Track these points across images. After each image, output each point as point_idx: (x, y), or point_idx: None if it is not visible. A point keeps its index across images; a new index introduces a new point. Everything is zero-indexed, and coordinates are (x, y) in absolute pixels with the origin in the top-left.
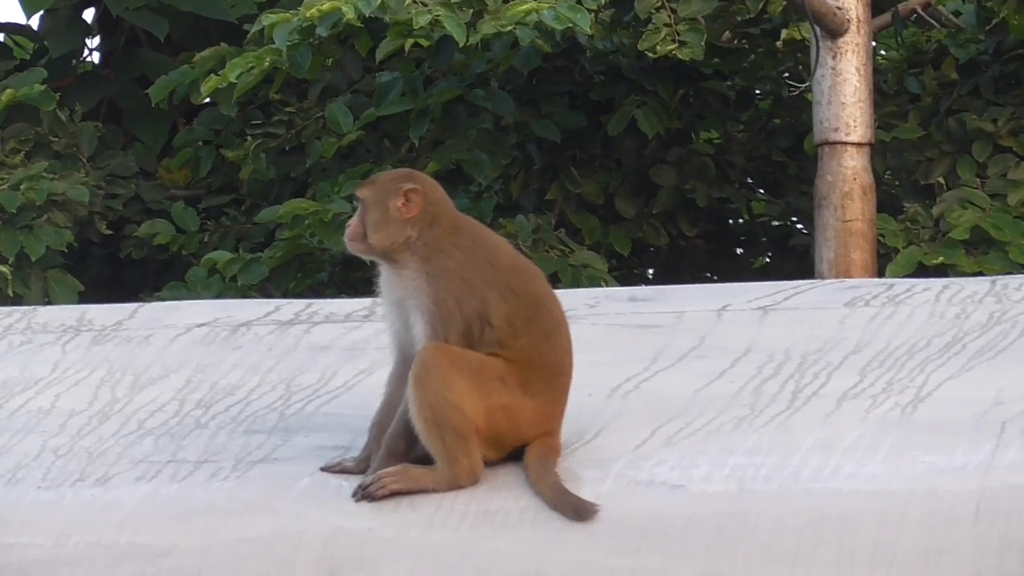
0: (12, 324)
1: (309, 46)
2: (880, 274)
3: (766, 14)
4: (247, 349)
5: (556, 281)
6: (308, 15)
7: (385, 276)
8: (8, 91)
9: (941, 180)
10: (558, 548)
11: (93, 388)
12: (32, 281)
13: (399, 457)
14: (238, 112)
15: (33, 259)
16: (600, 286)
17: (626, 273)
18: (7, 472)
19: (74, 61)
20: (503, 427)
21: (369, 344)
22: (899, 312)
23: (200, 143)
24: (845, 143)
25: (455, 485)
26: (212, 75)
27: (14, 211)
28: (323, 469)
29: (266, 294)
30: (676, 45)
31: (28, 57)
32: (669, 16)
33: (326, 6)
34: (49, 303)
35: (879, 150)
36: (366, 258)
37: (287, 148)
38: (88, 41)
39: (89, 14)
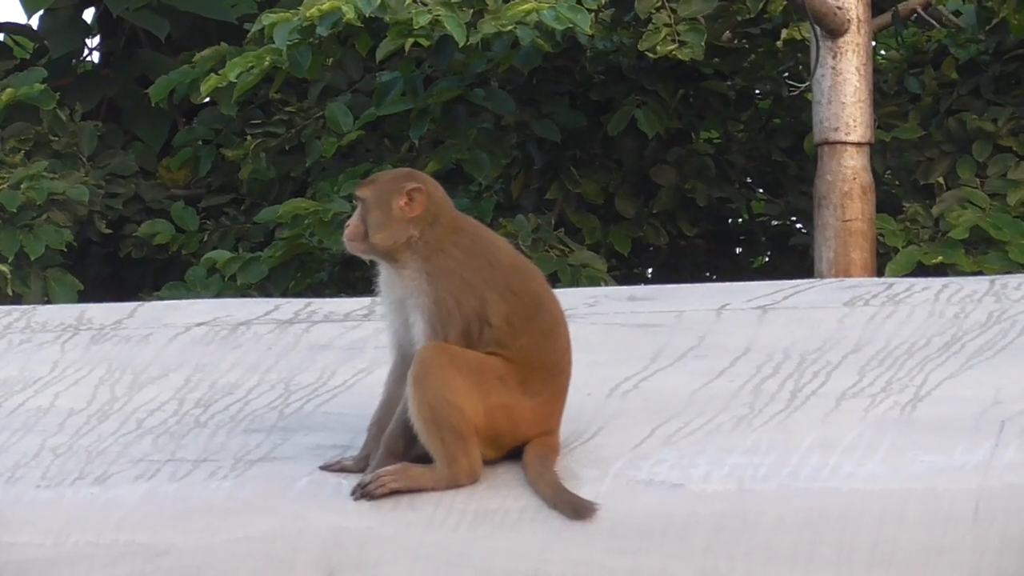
0: (11, 323)
1: (309, 46)
2: (880, 274)
3: (766, 14)
4: (246, 348)
5: (556, 281)
6: (308, 15)
7: (384, 275)
8: (8, 90)
9: (941, 180)
10: (557, 547)
11: (92, 387)
12: (32, 280)
13: (398, 456)
14: (238, 111)
15: (33, 258)
16: (599, 286)
17: (626, 273)
18: (6, 471)
19: (74, 61)
20: (502, 426)
21: (368, 343)
22: (898, 311)
23: (200, 142)
24: (845, 143)
25: (454, 484)
26: (212, 74)
27: (14, 210)
28: (322, 468)
29: (265, 293)
30: (676, 45)
31: (28, 57)
32: (669, 16)
33: (326, 6)
34: (49, 302)
35: (879, 150)
36: (366, 258)
37: (287, 148)
38: (88, 41)
39: (89, 14)
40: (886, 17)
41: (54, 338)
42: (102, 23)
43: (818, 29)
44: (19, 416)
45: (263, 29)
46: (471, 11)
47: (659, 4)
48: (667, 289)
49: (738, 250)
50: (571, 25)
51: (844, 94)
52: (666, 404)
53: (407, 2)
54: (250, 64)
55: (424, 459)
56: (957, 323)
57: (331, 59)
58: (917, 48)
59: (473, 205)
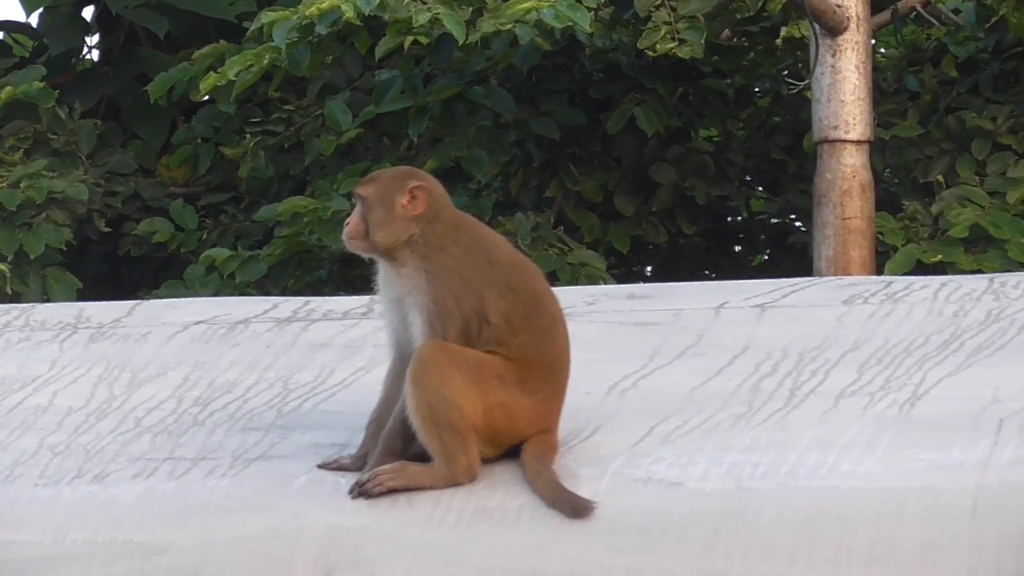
0: (10, 321)
1: (308, 44)
2: (879, 272)
3: (765, 12)
4: (245, 346)
5: (554, 279)
6: (307, 13)
7: (383, 274)
8: (7, 88)
9: (940, 178)
10: (555, 546)
11: (91, 385)
12: (31, 279)
13: (396, 454)
14: (237, 110)
15: (32, 257)
16: (598, 284)
17: (625, 271)
18: (4, 469)
19: (73, 59)
20: (501, 424)
21: (367, 341)
22: (897, 310)
23: (199, 141)
24: (844, 141)
25: (452, 482)
26: (211, 73)
27: (13, 209)
28: (320, 466)
29: (264, 292)
30: (675, 43)
31: (27, 55)
32: (669, 14)
33: (325, 4)
34: (48, 300)
35: (878, 148)
36: (365, 256)
37: (286, 146)
38: (87, 39)
39: (88, 12)
40: (885, 15)
41: (53, 336)
42: (101, 21)
43: (817, 27)
44: (17, 414)
45: (262, 27)
46: (470, 9)
47: (658, 2)
48: (666, 287)
49: (737, 248)
50: (570, 23)
51: (843, 92)
52: (664, 402)
53: (406, 0)
54: (249, 62)
55: (422, 457)
56: (956, 321)
57: (330, 57)
58: (916, 46)
59: (472, 203)
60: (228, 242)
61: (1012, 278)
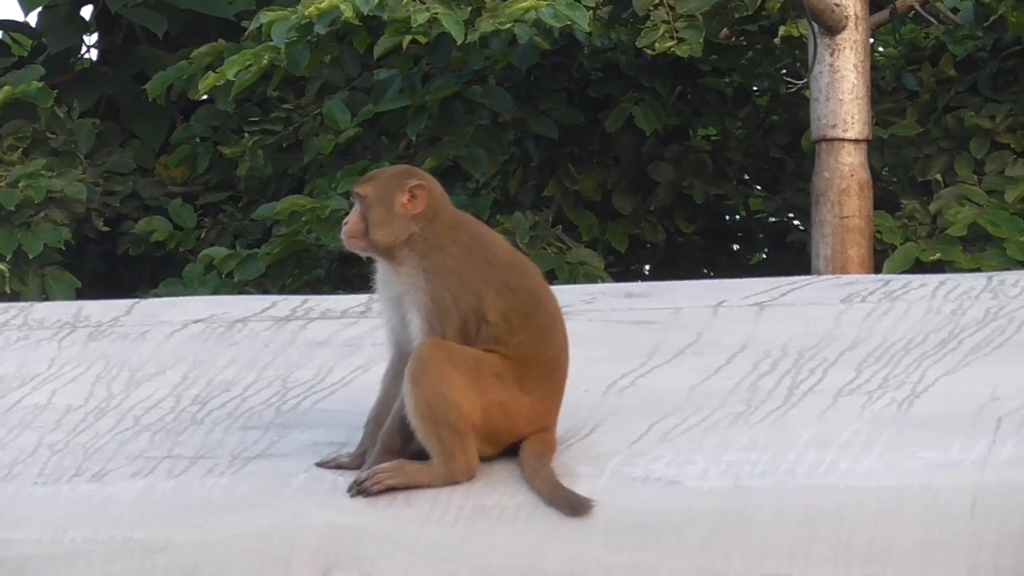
0: (8, 320)
1: (307, 43)
2: (877, 270)
3: (764, 11)
4: (243, 345)
5: (553, 278)
6: (306, 13)
7: (382, 272)
8: (6, 88)
9: (938, 177)
10: (554, 544)
11: (89, 384)
12: (29, 278)
13: (395, 453)
14: (236, 109)
15: (31, 256)
16: (597, 282)
17: (623, 269)
18: (3, 467)
19: (72, 58)
20: (499, 423)
21: (365, 340)
22: (895, 308)
23: (197, 140)
24: (842, 140)
25: (451, 481)
26: (210, 72)
27: (12, 208)
28: (319, 465)
29: (263, 290)
30: (674, 42)
31: (26, 54)
32: (667, 13)
33: (324, 4)
34: (46, 299)
35: (876, 147)
36: (364, 255)
37: (284, 145)
38: (86, 38)
39: (87, 11)
40: (884, 14)
41: (51, 335)
42: (100, 20)
43: (816, 26)
44: (16, 413)
45: (261, 27)
46: (469, 9)
47: (657, 1)
48: (664, 286)
49: (735, 247)
50: (569, 22)
51: (842, 91)
52: (663, 401)
53: (405, 0)
54: (248, 62)
55: (421, 456)
56: (954, 320)
57: (329, 57)
58: (915, 45)
59: (470, 202)
60: (226, 241)
61: (1011, 276)
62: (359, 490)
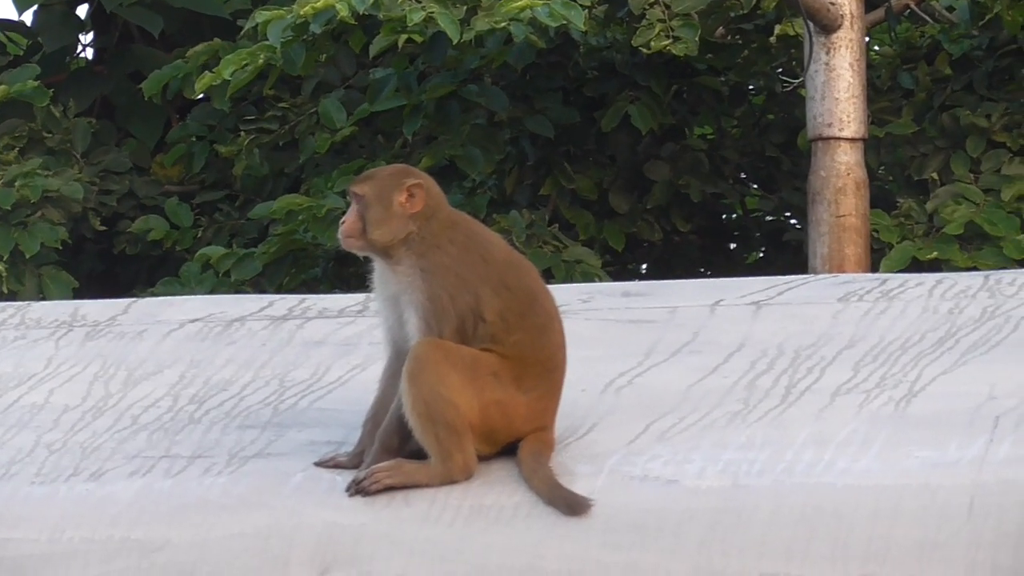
0: (5, 320)
1: (303, 43)
2: (874, 269)
3: (760, 10)
4: (240, 344)
5: (550, 276)
6: (302, 12)
7: (379, 272)
8: (1, 87)
9: (935, 175)
10: (552, 543)
11: (87, 383)
12: (26, 277)
13: (393, 452)
14: (231, 108)
15: (27, 256)
16: (594, 281)
17: (620, 268)
18: (1, 467)
19: (67, 57)
20: (497, 422)
21: (363, 339)
22: (892, 307)
23: (194, 139)
24: (839, 138)
25: (449, 480)
26: (206, 72)
27: (8, 208)
28: (317, 464)
29: (260, 289)
30: (670, 41)
31: (21, 53)
32: (663, 12)
33: (320, 3)
34: (43, 299)
35: (872, 145)
36: (361, 254)
37: (281, 144)
38: (82, 37)
39: (83, 10)
40: (879, 13)
41: (48, 334)
42: (95, 19)
43: (811, 25)
44: (14, 412)
45: (256, 26)
46: (464, 8)
47: (653, 0)
48: (661, 285)
49: (732, 246)
50: (564, 21)
51: (837, 90)
52: (660, 400)
53: None
54: (244, 61)
55: (419, 455)
56: (951, 319)
57: (325, 56)
58: (910, 44)
59: (467, 201)
60: (223, 240)
61: (1007, 275)
62: (357, 489)
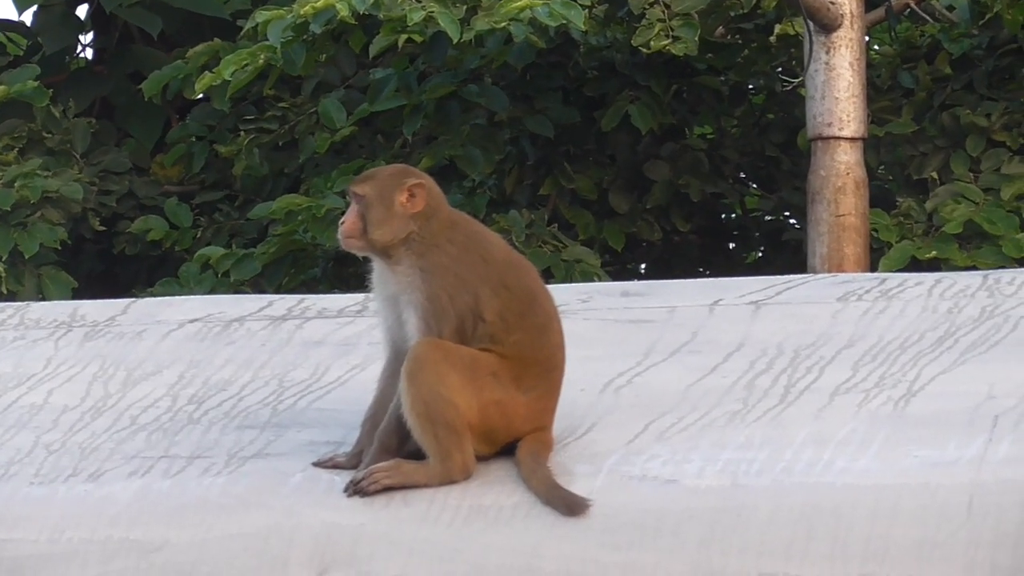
0: (5, 320)
1: (303, 42)
2: (873, 268)
3: (759, 9)
4: (240, 345)
5: (549, 276)
6: (302, 12)
7: (378, 272)
8: (1, 87)
9: (934, 175)
10: (551, 543)
11: (86, 384)
12: (26, 278)
13: (391, 452)
14: (231, 108)
15: (27, 256)
16: (593, 281)
17: (619, 268)
18: (0, 468)
19: (67, 57)
20: (496, 422)
21: (362, 339)
22: (891, 306)
23: (193, 139)
24: (838, 138)
25: (448, 480)
26: (206, 72)
27: (8, 208)
28: (315, 464)
29: (259, 290)
30: (670, 40)
31: (21, 53)
32: (663, 11)
33: (320, 3)
34: (43, 299)
35: (872, 145)
36: (361, 254)
37: (280, 144)
38: (81, 37)
39: (82, 10)
40: (879, 12)
41: (48, 335)
42: (95, 19)
43: (811, 24)
44: (13, 413)
45: (256, 26)
46: (465, 7)
47: (652, 0)
48: (660, 285)
49: (731, 245)
50: (564, 21)
51: (837, 89)
52: (659, 400)
53: None
54: (244, 61)
55: (417, 455)
56: (950, 318)
57: (325, 56)
58: (910, 43)
59: (466, 201)
60: (222, 240)
61: (1006, 275)
62: (356, 489)
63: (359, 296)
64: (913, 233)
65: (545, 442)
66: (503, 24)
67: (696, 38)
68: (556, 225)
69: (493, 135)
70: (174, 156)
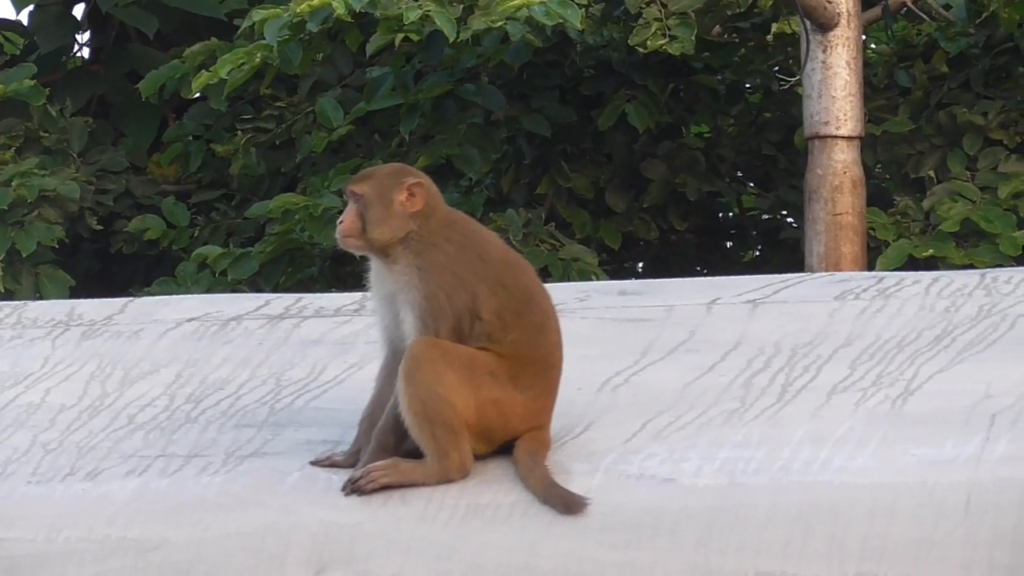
0: (2, 319)
1: (299, 41)
2: (870, 267)
3: (756, 8)
4: (237, 343)
5: (546, 275)
6: (298, 11)
7: (375, 271)
8: None
9: (931, 173)
10: (548, 542)
11: (83, 383)
12: (23, 276)
13: (389, 451)
14: (228, 107)
15: (24, 255)
16: (590, 280)
17: (616, 267)
18: None
19: (64, 57)
20: (493, 421)
21: (359, 338)
22: (889, 305)
23: (190, 138)
24: (835, 137)
25: (445, 479)
26: (203, 71)
27: (5, 207)
28: (313, 463)
29: (256, 289)
30: (666, 40)
31: (18, 52)
32: (659, 11)
33: (316, 1)
34: (40, 298)
35: (869, 143)
36: (359, 254)
37: (277, 143)
38: (78, 36)
39: (79, 10)
40: (876, 11)
41: (45, 334)
42: (92, 19)
43: (808, 23)
44: (10, 412)
45: (253, 25)
46: (461, 6)
47: None
48: (657, 283)
49: (728, 244)
50: (561, 20)
51: (834, 88)
52: (657, 398)
53: None
54: (240, 60)
55: (415, 454)
56: (948, 317)
57: (321, 55)
58: (907, 42)
59: (463, 200)
60: (219, 239)
61: (1004, 273)
62: (353, 488)
63: (356, 295)
64: (910, 232)
65: (543, 441)
66: (500, 23)
67: (693, 37)
68: (553, 224)
69: (490, 134)
70: (171, 155)
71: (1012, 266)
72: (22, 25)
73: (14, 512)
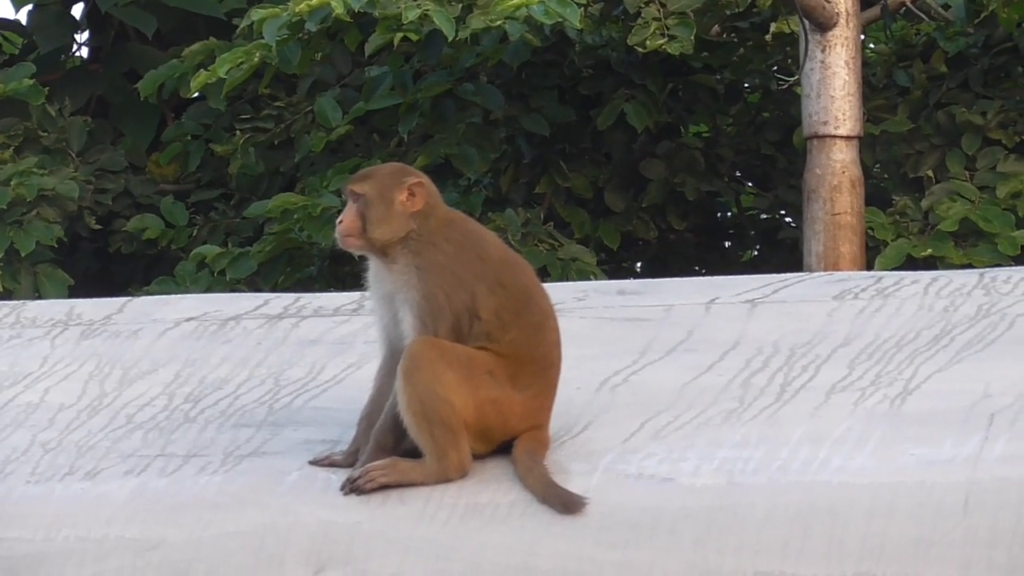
0: (1, 318)
1: (298, 41)
2: (869, 267)
3: (755, 8)
4: (236, 343)
5: (545, 274)
6: (297, 10)
7: (374, 270)
8: None
9: (930, 173)
10: (547, 541)
11: (82, 382)
12: (22, 276)
13: (388, 451)
14: (227, 106)
15: (23, 254)
16: (589, 279)
17: (615, 267)
18: None
19: (63, 56)
20: (492, 420)
21: (358, 338)
22: (888, 305)
23: (189, 138)
24: (834, 136)
25: (444, 478)
26: (202, 70)
27: (4, 207)
28: (312, 463)
29: (255, 288)
30: (665, 39)
31: (17, 52)
32: (658, 10)
33: (315, 1)
34: (39, 298)
35: (868, 143)
36: (359, 253)
37: (276, 142)
38: (77, 36)
39: (78, 9)
40: (875, 10)
41: (44, 333)
42: (91, 18)
43: (807, 23)
44: (9, 411)
45: (252, 24)
46: (460, 5)
47: None
48: (656, 283)
49: (727, 244)
50: (560, 19)
51: (833, 88)
52: (655, 398)
53: None
54: (239, 60)
55: (414, 453)
56: (946, 316)
57: (320, 54)
58: (906, 41)
59: (462, 200)
60: (218, 239)
61: (1002, 273)
62: (352, 488)
63: (355, 295)
64: (909, 231)
65: (541, 440)
66: (498, 22)
67: (692, 37)
68: (552, 223)
69: (489, 133)
70: (170, 155)
71: (1011, 266)
72: (21, 24)
73: (13, 511)
